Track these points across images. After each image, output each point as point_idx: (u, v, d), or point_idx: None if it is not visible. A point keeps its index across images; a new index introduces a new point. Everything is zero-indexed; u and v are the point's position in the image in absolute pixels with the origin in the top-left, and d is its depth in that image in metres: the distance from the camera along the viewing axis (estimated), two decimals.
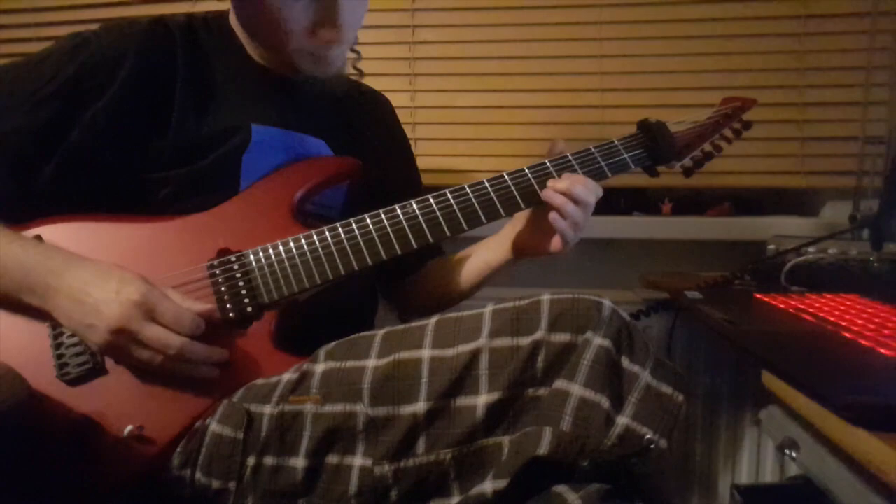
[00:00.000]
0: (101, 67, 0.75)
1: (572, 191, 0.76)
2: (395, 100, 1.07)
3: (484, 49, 1.34)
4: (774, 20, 1.28)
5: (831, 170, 1.28)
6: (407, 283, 1.00)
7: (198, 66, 0.80)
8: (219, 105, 0.79)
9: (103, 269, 0.68)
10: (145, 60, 0.76)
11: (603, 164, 0.81)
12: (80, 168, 0.76)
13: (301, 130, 0.84)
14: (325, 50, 0.79)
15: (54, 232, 0.73)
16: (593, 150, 0.82)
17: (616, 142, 0.84)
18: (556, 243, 0.80)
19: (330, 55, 0.80)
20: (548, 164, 0.80)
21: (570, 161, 0.80)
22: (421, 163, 1.33)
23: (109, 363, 0.69)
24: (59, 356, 0.68)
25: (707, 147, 0.90)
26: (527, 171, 0.79)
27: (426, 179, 1.16)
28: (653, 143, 0.84)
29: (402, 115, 1.09)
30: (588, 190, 0.77)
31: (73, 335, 0.68)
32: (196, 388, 0.68)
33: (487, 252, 0.90)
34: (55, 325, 0.69)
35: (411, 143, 1.09)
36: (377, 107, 1.02)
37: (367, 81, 1.00)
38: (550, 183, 0.77)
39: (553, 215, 0.76)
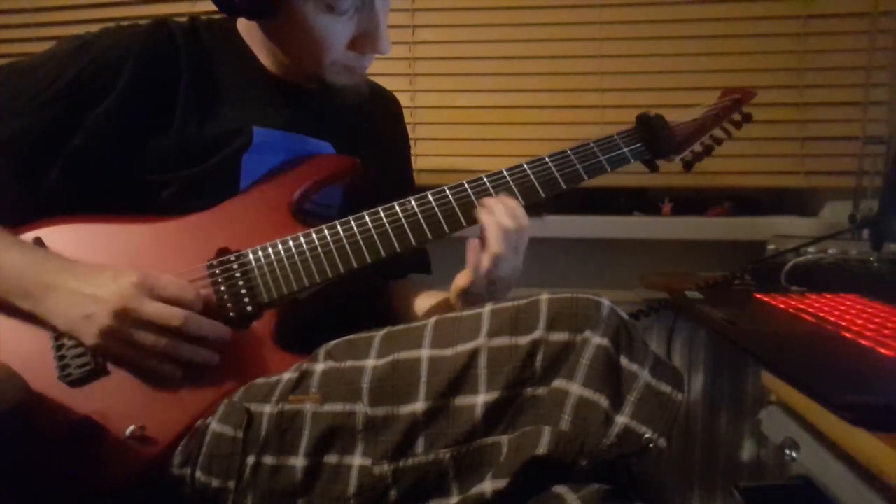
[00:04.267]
0: (103, 70, 0.75)
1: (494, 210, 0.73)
2: None
3: (484, 49, 1.34)
4: (774, 20, 1.28)
5: (831, 170, 1.28)
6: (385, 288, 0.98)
7: (201, 68, 0.80)
8: (221, 108, 0.79)
9: (98, 266, 0.68)
10: (147, 63, 0.76)
11: (602, 158, 0.81)
12: (83, 170, 0.76)
13: (305, 133, 0.84)
14: (360, 61, 0.81)
15: (54, 233, 0.73)
16: (592, 144, 0.82)
17: (615, 136, 0.83)
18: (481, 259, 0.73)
19: (363, 65, 0.82)
20: (547, 159, 0.80)
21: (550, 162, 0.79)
22: (421, 163, 1.33)
23: (110, 364, 0.69)
24: (61, 357, 0.68)
25: (707, 140, 0.89)
26: (525, 166, 0.79)
27: (426, 179, 1.16)
28: (652, 136, 0.84)
29: None
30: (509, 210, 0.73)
31: None
32: (197, 387, 0.68)
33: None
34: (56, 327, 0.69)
35: (411, 143, 1.09)
36: (385, 106, 1.01)
37: None
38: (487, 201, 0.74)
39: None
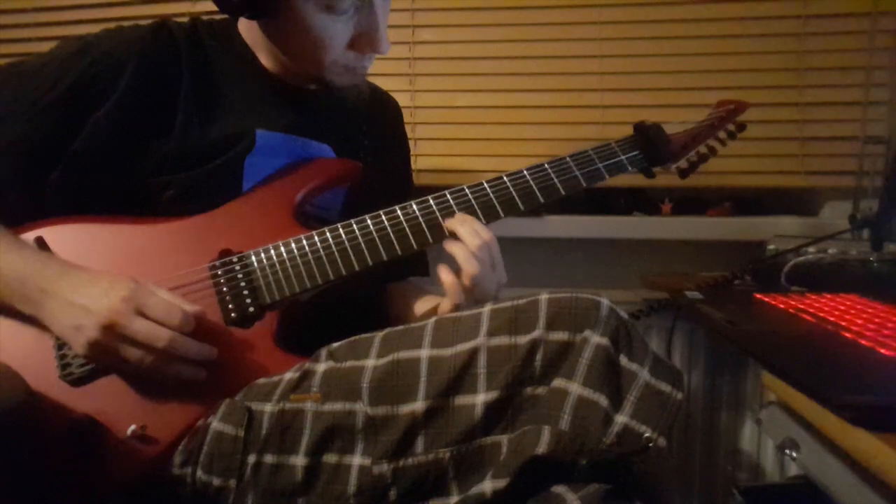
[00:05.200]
0: (104, 74, 0.75)
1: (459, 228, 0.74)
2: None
3: (484, 49, 1.34)
4: (774, 20, 1.28)
5: (831, 170, 1.28)
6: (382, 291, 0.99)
7: (202, 71, 0.80)
8: (224, 111, 0.80)
9: (95, 274, 0.68)
10: (148, 66, 0.76)
11: (600, 165, 0.82)
12: (85, 172, 0.76)
13: (306, 136, 0.84)
14: (360, 61, 0.81)
15: (56, 234, 0.73)
16: (590, 152, 0.83)
17: (613, 144, 0.84)
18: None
19: (363, 66, 0.82)
20: (546, 166, 0.80)
21: (563, 164, 0.81)
22: (421, 163, 1.33)
23: None
24: (62, 357, 0.68)
25: (702, 149, 0.91)
26: (525, 172, 0.79)
27: (426, 179, 1.16)
28: (649, 144, 0.85)
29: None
30: (473, 231, 0.73)
31: None
32: (199, 387, 0.68)
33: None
34: None
35: (411, 143, 1.09)
36: (385, 110, 1.01)
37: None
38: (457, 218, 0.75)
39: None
